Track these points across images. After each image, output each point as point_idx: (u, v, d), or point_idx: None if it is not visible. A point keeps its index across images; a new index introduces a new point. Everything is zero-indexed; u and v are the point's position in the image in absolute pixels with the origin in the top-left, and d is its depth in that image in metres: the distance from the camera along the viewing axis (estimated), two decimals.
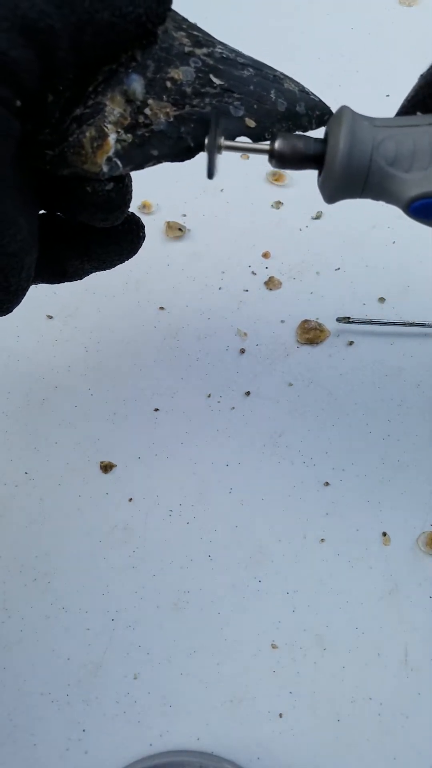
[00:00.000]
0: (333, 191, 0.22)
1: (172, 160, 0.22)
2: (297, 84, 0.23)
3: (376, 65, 0.48)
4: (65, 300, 0.39)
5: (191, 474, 0.33)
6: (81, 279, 0.27)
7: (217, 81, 0.21)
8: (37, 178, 0.22)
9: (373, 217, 0.41)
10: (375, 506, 0.32)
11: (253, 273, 0.39)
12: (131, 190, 0.23)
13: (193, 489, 0.33)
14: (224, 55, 0.22)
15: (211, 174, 0.21)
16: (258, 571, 0.31)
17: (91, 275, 0.38)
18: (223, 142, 0.21)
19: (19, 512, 0.32)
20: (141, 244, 0.26)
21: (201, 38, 0.21)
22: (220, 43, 0.22)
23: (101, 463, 0.34)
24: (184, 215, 0.42)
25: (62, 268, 0.25)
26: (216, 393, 0.35)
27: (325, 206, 0.42)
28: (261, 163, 0.44)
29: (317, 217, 0.42)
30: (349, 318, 0.37)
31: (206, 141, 0.21)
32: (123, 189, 0.22)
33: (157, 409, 0.35)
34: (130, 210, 0.26)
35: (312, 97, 0.23)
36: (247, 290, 0.39)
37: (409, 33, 0.50)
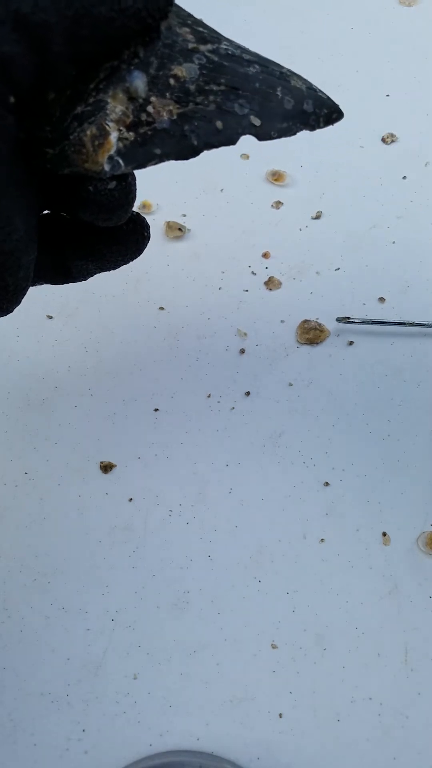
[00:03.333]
0: None
1: (175, 159, 0.21)
2: (305, 81, 0.23)
3: (376, 65, 0.48)
4: (65, 300, 0.39)
5: (191, 474, 0.33)
6: (86, 279, 0.26)
7: (221, 78, 0.21)
8: (39, 178, 0.22)
9: (373, 217, 0.41)
10: (375, 506, 0.32)
11: (253, 273, 0.39)
12: (135, 190, 0.23)
13: (193, 489, 0.33)
14: (229, 52, 0.21)
15: None
16: (258, 571, 0.31)
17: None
18: None
19: (19, 512, 0.32)
20: (146, 245, 0.26)
21: (206, 34, 0.21)
22: (226, 39, 0.22)
23: (101, 463, 0.34)
24: (184, 215, 0.42)
25: (67, 269, 0.25)
26: (216, 393, 0.35)
27: (325, 206, 0.42)
28: (261, 162, 0.44)
29: (317, 217, 0.42)
30: (349, 318, 0.37)
31: None
32: (126, 188, 0.22)
33: (157, 409, 0.35)
34: (144, 216, 0.26)
35: (320, 94, 0.23)
36: (247, 290, 0.39)
37: (409, 33, 0.50)
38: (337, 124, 0.47)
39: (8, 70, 0.17)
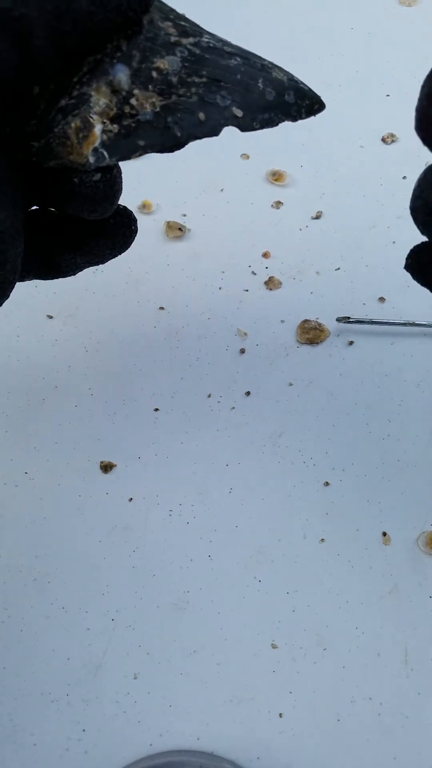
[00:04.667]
0: None
1: (159, 151, 0.22)
2: (286, 73, 0.23)
3: (376, 65, 0.48)
4: (65, 300, 0.39)
5: (191, 474, 0.33)
6: (75, 274, 0.27)
7: (203, 70, 0.21)
8: (24, 172, 0.22)
9: (373, 217, 0.41)
10: (375, 506, 0.32)
11: (253, 273, 0.39)
12: (120, 181, 0.23)
13: (193, 489, 0.33)
14: (211, 45, 0.21)
15: None
16: (258, 571, 0.31)
17: (91, 276, 0.38)
18: None
19: (19, 512, 0.32)
20: (133, 238, 0.26)
21: (188, 28, 0.21)
22: (208, 33, 0.22)
23: (101, 463, 0.34)
24: (184, 215, 0.42)
25: (56, 263, 0.25)
26: (216, 393, 0.35)
27: (325, 206, 0.42)
28: (261, 163, 0.44)
29: (317, 217, 0.42)
30: (349, 318, 0.37)
31: None
32: (111, 180, 0.22)
33: (157, 409, 0.35)
34: (131, 210, 0.26)
35: (301, 86, 0.23)
36: (247, 290, 0.39)
37: (409, 33, 0.50)
38: (337, 124, 0.48)
39: None
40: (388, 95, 0.46)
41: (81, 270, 0.26)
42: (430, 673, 0.29)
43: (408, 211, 0.22)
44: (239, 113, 0.21)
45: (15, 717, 0.28)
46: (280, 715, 0.28)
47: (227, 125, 0.22)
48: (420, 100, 0.19)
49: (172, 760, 0.27)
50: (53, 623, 0.30)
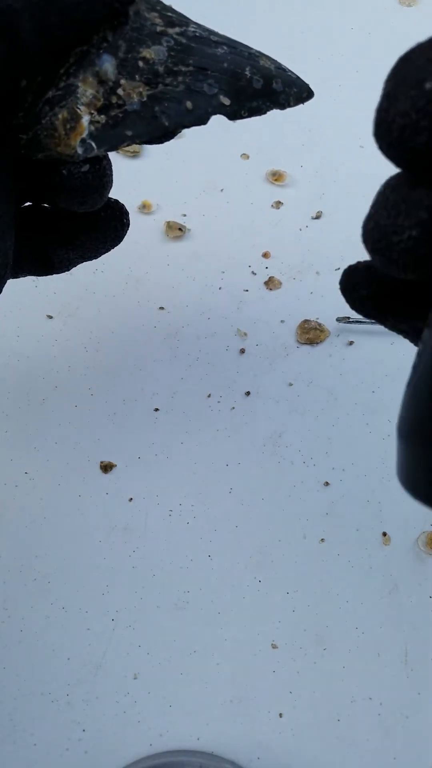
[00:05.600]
0: None
1: (148, 141, 0.22)
2: (273, 61, 0.23)
3: (376, 65, 0.48)
4: (65, 300, 0.38)
5: (191, 474, 0.33)
6: (68, 269, 0.26)
7: (190, 59, 0.21)
8: (14, 164, 0.22)
9: None
10: (375, 506, 0.32)
11: (253, 273, 0.39)
12: (110, 173, 0.23)
13: (193, 489, 0.33)
14: (197, 34, 0.21)
15: None
16: (258, 571, 0.31)
17: (91, 276, 0.38)
18: None
19: (19, 512, 0.32)
20: (125, 231, 0.26)
21: (174, 18, 0.21)
22: (195, 23, 0.22)
23: (101, 463, 0.34)
24: (184, 215, 0.42)
25: (49, 259, 0.25)
26: (216, 393, 0.35)
27: (325, 206, 0.42)
28: (261, 163, 0.44)
29: (317, 217, 0.42)
30: (349, 318, 0.37)
31: None
32: (99, 171, 0.22)
33: (157, 409, 0.35)
34: (130, 211, 0.26)
35: (289, 74, 0.23)
36: (247, 290, 0.39)
37: (409, 33, 0.50)
38: (337, 124, 0.47)
39: None
40: None
41: (75, 265, 0.26)
42: (430, 673, 0.29)
43: None
44: (227, 101, 0.22)
45: (15, 717, 0.28)
46: (280, 715, 0.28)
47: (215, 113, 0.22)
48: (380, 101, 0.17)
49: (172, 760, 0.27)
50: (53, 623, 0.30)
